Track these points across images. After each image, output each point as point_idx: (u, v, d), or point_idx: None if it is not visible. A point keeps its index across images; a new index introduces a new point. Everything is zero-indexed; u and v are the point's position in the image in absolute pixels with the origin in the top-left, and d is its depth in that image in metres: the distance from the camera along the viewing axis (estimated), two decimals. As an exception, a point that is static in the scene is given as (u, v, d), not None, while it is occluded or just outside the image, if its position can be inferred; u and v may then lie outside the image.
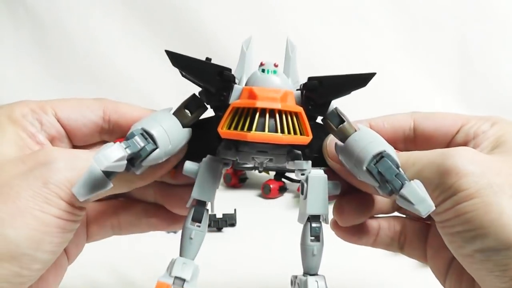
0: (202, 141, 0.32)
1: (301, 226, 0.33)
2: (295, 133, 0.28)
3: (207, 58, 0.31)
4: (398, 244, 0.38)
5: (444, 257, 0.34)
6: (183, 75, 0.31)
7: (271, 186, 0.75)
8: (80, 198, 0.26)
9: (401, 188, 0.26)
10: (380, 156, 0.27)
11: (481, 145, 0.31)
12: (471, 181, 0.27)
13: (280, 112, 0.27)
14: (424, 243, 0.37)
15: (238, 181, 0.80)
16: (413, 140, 0.36)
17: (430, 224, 0.37)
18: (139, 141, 0.27)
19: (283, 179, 0.79)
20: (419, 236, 0.37)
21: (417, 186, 0.26)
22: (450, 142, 0.34)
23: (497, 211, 0.26)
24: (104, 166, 0.24)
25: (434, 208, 0.26)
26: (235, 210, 0.60)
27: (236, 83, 0.31)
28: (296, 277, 0.33)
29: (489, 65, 1.05)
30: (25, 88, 1.01)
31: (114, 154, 0.25)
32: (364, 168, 0.28)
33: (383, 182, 0.27)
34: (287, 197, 0.77)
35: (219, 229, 0.60)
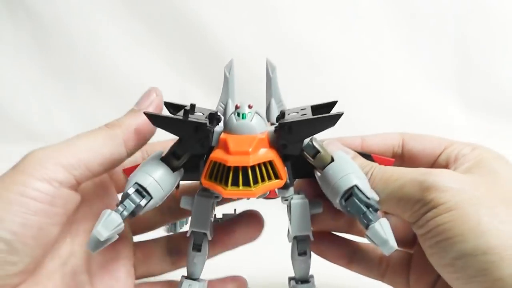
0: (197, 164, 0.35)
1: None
2: (269, 178, 0.31)
3: (191, 105, 0.33)
4: (379, 270, 0.39)
5: (427, 282, 0.36)
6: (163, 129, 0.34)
7: None
8: (92, 252, 0.31)
9: (367, 228, 0.29)
10: (350, 194, 0.30)
11: (461, 166, 0.33)
12: (450, 195, 0.29)
13: (253, 166, 0.30)
14: (407, 270, 0.38)
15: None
16: (401, 156, 0.38)
17: (411, 254, 0.39)
18: (134, 199, 0.31)
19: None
20: (401, 263, 0.39)
21: (381, 227, 0.28)
22: (434, 162, 0.36)
23: (475, 219, 0.28)
24: (104, 238, 0.29)
25: (395, 249, 0.28)
26: (235, 210, 0.60)
27: (212, 131, 0.33)
28: (290, 280, 0.38)
29: (488, 64, 1.02)
30: (25, 88, 1.03)
31: (111, 224, 0.29)
32: (337, 202, 0.31)
33: (353, 217, 0.30)
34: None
35: None
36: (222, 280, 0.40)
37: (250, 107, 0.32)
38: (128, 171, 0.36)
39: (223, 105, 0.36)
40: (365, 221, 0.29)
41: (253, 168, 0.30)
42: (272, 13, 1.00)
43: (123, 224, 0.30)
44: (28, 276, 0.32)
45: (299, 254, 0.35)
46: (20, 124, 1.00)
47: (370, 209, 0.29)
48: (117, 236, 0.31)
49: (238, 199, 0.34)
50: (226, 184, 0.30)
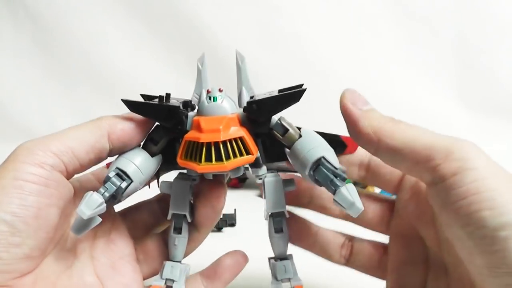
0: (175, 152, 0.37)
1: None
2: (241, 154, 0.32)
3: (167, 94, 0.35)
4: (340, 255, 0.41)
5: None
6: (138, 114, 0.35)
7: None
8: (77, 235, 0.33)
9: (334, 193, 0.31)
10: (318, 164, 0.32)
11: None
12: (482, 162, 0.28)
13: (224, 141, 0.32)
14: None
15: (238, 181, 0.80)
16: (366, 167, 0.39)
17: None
18: (115, 181, 0.32)
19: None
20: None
21: (348, 191, 0.30)
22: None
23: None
24: (86, 216, 0.30)
25: (362, 210, 0.30)
26: (235, 210, 0.60)
27: (186, 114, 0.35)
28: (270, 259, 0.39)
29: (489, 64, 1.03)
30: (25, 87, 1.04)
31: (93, 203, 0.31)
32: (306, 173, 0.32)
33: (321, 186, 0.32)
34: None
35: (219, 229, 0.61)
36: (218, 260, 0.40)
37: (220, 90, 0.34)
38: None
39: (197, 96, 0.38)
40: (333, 187, 0.31)
41: (224, 144, 0.32)
42: (272, 13, 1.01)
43: (104, 205, 0.32)
44: (35, 266, 0.32)
45: (276, 231, 0.37)
46: (20, 123, 1.00)
47: (338, 178, 0.31)
48: (100, 219, 0.33)
49: (214, 176, 0.35)
50: (199, 160, 0.32)
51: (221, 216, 0.56)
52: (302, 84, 0.38)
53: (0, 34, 1.06)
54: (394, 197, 0.40)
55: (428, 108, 0.99)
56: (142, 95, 0.39)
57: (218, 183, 0.38)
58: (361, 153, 0.38)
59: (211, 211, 0.38)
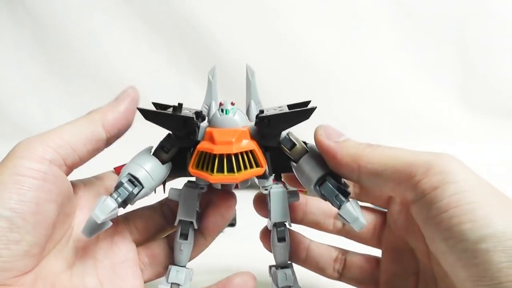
0: (185, 160, 0.38)
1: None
2: (251, 166, 0.34)
3: (179, 104, 0.37)
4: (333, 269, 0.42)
5: None
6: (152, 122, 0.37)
7: None
8: (88, 238, 0.34)
9: (339, 208, 0.33)
10: (323, 180, 0.34)
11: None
12: (462, 176, 0.29)
13: (236, 154, 0.33)
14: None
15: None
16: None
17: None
18: (127, 187, 0.34)
19: (283, 180, 0.78)
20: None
21: (352, 206, 0.32)
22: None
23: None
24: (100, 220, 0.31)
25: (365, 225, 0.32)
26: (235, 210, 0.63)
27: (199, 125, 0.36)
28: (271, 267, 0.40)
29: (491, 65, 1.03)
30: (25, 87, 1.04)
31: (107, 208, 0.32)
32: (312, 187, 0.34)
33: (326, 200, 0.34)
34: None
35: None
36: (228, 278, 0.40)
37: (232, 104, 0.36)
38: (119, 169, 0.39)
39: (207, 107, 0.40)
40: (338, 202, 0.32)
41: (236, 156, 0.33)
42: (271, 14, 1.01)
43: (117, 210, 0.33)
44: (35, 265, 0.33)
45: (279, 240, 0.38)
46: (19, 122, 1.00)
47: (342, 194, 0.33)
48: (111, 224, 0.34)
49: (222, 186, 0.37)
50: (212, 171, 0.33)
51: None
52: (310, 101, 0.39)
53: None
54: (386, 210, 0.41)
55: (430, 110, 0.99)
56: (154, 104, 0.40)
57: (228, 192, 0.40)
58: None
59: (220, 219, 0.39)
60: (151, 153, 0.37)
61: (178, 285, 0.37)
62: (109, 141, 0.37)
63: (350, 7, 1.03)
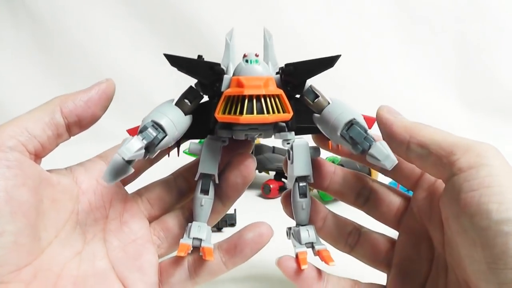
0: (200, 123, 0.38)
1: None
2: (278, 111, 0.34)
3: (199, 56, 0.37)
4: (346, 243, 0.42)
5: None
6: (179, 69, 0.37)
7: (271, 186, 0.75)
8: (108, 184, 0.32)
9: (369, 148, 0.33)
10: (351, 124, 0.34)
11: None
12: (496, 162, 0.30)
13: (265, 96, 0.33)
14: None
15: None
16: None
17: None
18: (152, 132, 0.33)
19: (283, 179, 0.78)
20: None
21: (382, 145, 0.32)
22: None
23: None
24: (127, 157, 0.30)
25: (396, 162, 0.32)
26: (235, 210, 0.61)
27: (225, 74, 0.36)
28: (290, 228, 0.40)
29: (488, 63, 1.06)
30: (25, 87, 1.03)
31: (134, 146, 0.31)
32: (338, 134, 0.34)
33: (354, 144, 0.34)
34: (287, 196, 0.79)
35: (219, 229, 0.60)
36: (240, 232, 0.39)
37: (256, 55, 0.36)
38: (132, 132, 0.38)
39: (224, 68, 0.40)
40: (367, 143, 0.33)
41: (265, 99, 0.33)
42: (271, 12, 1.03)
43: (143, 151, 0.32)
44: (32, 258, 0.32)
45: (300, 196, 0.38)
46: None
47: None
48: (133, 170, 0.33)
49: (250, 129, 0.36)
50: (241, 113, 0.33)
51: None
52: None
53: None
54: (410, 194, 0.41)
55: (428, 107, 1.01)
56: (168, 56, 0.39)
57: (246, 154, 0.39)
58: None
59: (240, 179, 0.38)
60: (173, 103, 0.36)
61: (200, 240, 0.36)
62: (71, 129, 0.36)
63: (350, 7, 1.05)
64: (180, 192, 0.41)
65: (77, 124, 0.36)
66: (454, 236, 0.32)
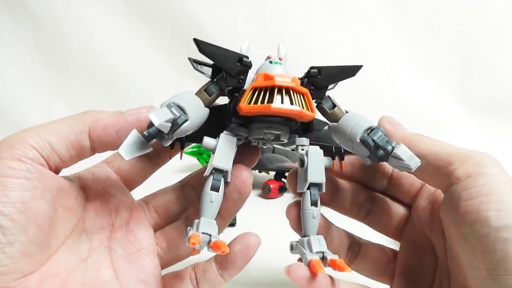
0: (212, 123, 0.37)
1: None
2: (303, 108, 0.34)
3: None
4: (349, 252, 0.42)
5: None
6: (195, 68, 0.36)
7: (271, 186, 0.75)
8: (125, 157, 0.30)
9: (392, 150, 0.33)
10: (371, 129, 0.34)
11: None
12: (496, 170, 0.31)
13: (294, 90, 0.33)
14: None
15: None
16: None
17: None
18: (175, 112, 0.31)
19: (283, 179, 0.79)
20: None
21: (405, 147, 0.33)
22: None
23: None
24: (157, 123, 0.29)
25: (420, 163, 0.32)
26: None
27: (251, 66, 0.36)
28: (296, 241, 0.38)
29: (490, 64, 1.08)
30: (25, 87, 1.02)
31: (165, 114, 0.30)
32: (358, 140, 0.34)
33: (377, 147, 0.34)
34: (287, 197, 0.77)
35: None
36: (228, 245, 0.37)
37: (280, 59, 0.37)
38: None
39: None
40: (391, 145, 0.33)
41: (294, 92, 0.33)
42: (270, 12, 1.04)
43: (170, 124, 0.30)
44: (38, 265, 0.31)
45: (312, 204, 0.37)
46: (19, 123, 0.96)
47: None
48: (151, 148, 0.31)
49: (269, 127, 0.35)
50: (271, 102, 0.32)
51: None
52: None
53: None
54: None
55: (430, 109, 1.02)
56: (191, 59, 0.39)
57: (242, 167, 0.38)
58: (386, 164, 0.40)
59: (237, 196, 0.37)
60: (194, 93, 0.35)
61: (210, 235, 0.33)
62: (96, 150, 0.35)
63: (351, 7, 1.07)
64: (187, 201, 0.41)
65: (103, 148, 0.35)
66: (454, 244, 0.32)
